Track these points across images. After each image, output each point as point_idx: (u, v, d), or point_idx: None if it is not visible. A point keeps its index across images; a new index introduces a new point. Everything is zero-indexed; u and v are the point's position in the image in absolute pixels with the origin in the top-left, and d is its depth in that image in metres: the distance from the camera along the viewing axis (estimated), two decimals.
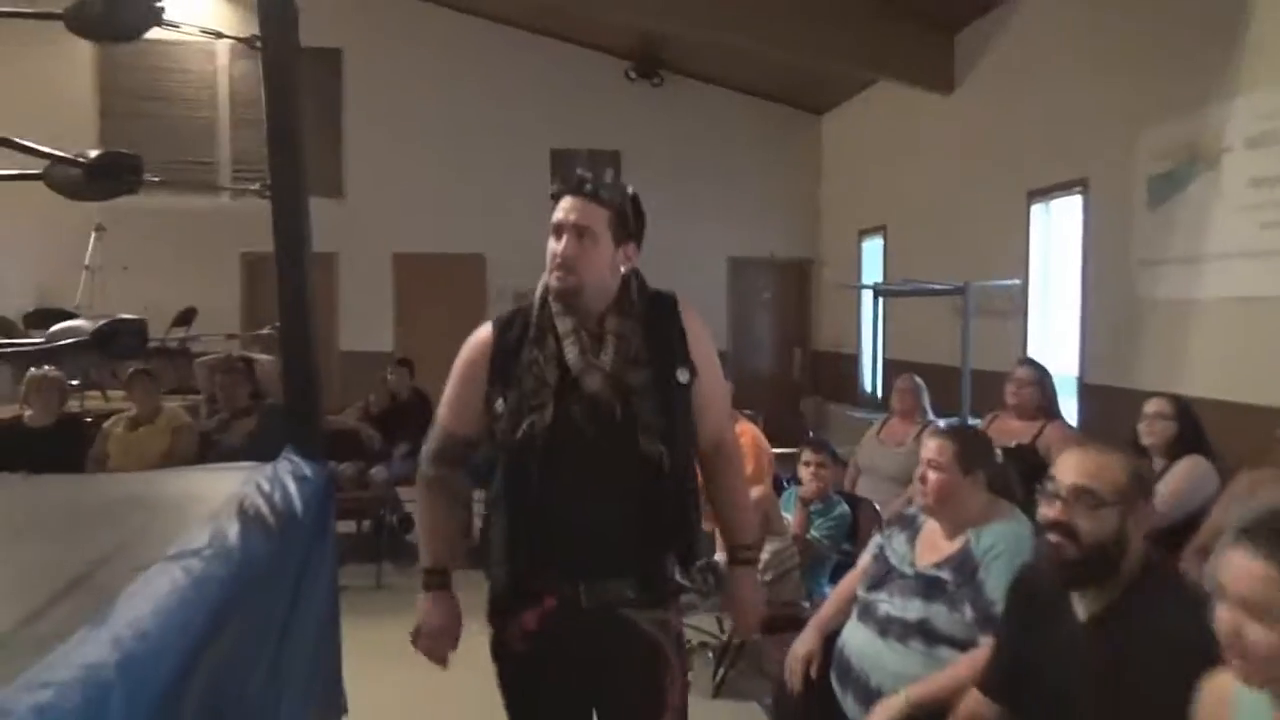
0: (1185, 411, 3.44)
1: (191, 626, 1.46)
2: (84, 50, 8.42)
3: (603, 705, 1.86)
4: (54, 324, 5.95)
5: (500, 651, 1.87)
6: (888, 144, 8.31)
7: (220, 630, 1.58)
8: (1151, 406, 3.47)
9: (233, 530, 1.90)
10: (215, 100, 9.11)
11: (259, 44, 2.61)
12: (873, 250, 8.62)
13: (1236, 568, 1.28)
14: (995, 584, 2.11)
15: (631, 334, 1.80)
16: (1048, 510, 1.76)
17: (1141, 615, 1.68)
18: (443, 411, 1.93)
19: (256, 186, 2.56)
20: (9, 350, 2.28)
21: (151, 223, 7.89)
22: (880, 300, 6.99)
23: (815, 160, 10.09)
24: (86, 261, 7.49)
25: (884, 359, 7.68)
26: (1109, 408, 4.91)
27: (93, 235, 7.50)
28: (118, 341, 2.11)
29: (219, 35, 2.80)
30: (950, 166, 7.01)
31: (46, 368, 4.80)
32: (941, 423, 3.96)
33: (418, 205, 9.28)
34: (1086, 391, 5.29)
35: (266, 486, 2.26)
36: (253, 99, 8.91)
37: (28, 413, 4.81)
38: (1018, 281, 5.79)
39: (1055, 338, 5.73)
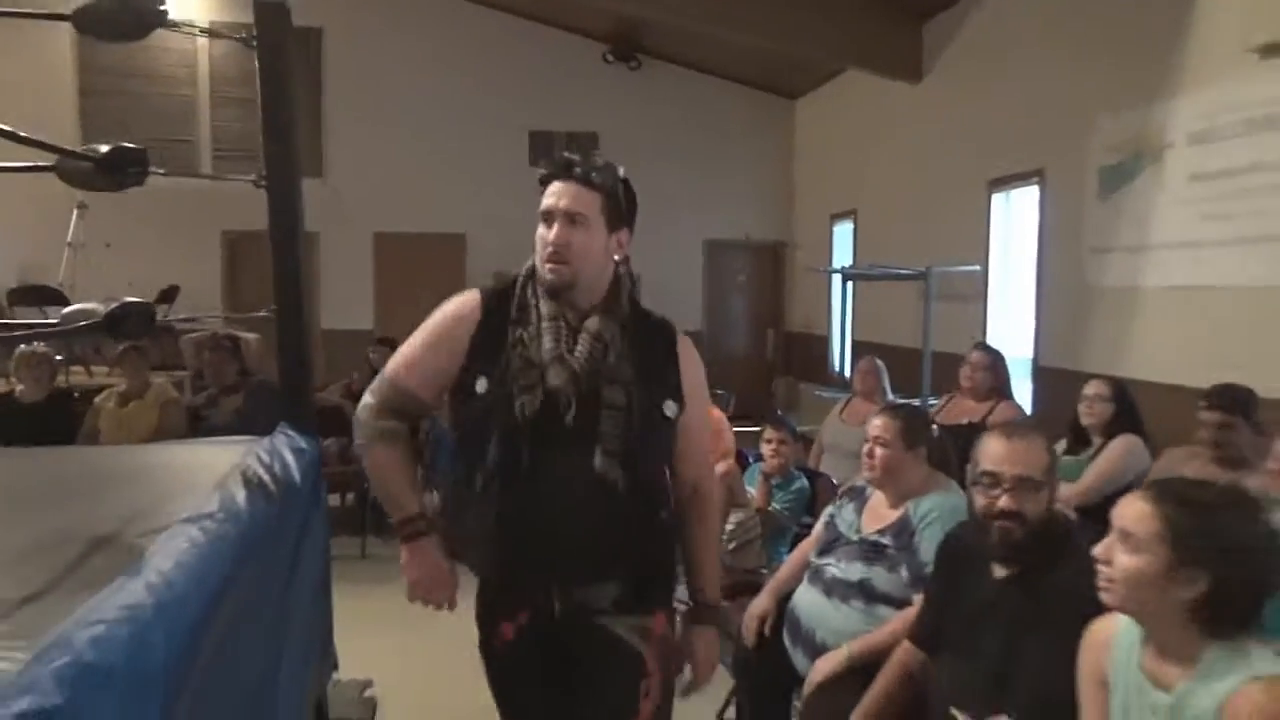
0: (1122, 393, 3.69)
1: (210, 579, 1.67)
2: (63, 29, 8.44)
3: (577, 714, 1.79)
4: (38, 300, 6.16)
5: (486, 651, 1.84)
6: (858, 131, 8.53)
7: (234, 583, 1.79)
8: (1090, 388, 3.72)
9: (239, 496, 2.10)
10: (195, 79, 9.16)
11: (254, 42, 2.77)
12: (843, 234, 8.85)
13: (1126, 504, 1.50)
14: (928, 548, 2.33)
15: (611, 342, 1.71)
16: (995, 501, 1.93)
17: (1046, 575, 1.91)
18: (399, 367, 1.80)
19: (253, 177, 2.73)
20: (25, 330, 2.45)
21: (133, 201, 7.86)
22: (849, 283, 7.22)
23: (789, 145, 10.29)
24: (69, 239, 7.59)
25: (853, 340, 7.94)
26: (1060, 389, 5.16)
27: (75, 213, 7.59)
28: (128, 323, 2.29)
29: (215, 35, 2.96)
30: (917, 154, 7.24)
31: (37, 345, 4.94)
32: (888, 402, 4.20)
33: (398, 185, 9.40)
34: (1040, 373, 5.55)
35: (266, 457, 2.45)
36: (232, 78, 9.01)
37: (19, 388, 4.95)
38: (978, 267, 6.03)
39: (1013, 322, 5.99)
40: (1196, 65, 4.32)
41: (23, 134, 2.20)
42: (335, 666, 3.02)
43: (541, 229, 1.72)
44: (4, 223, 8.52)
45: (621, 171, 1.76)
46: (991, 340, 5.93)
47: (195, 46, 9.13)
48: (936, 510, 2.43)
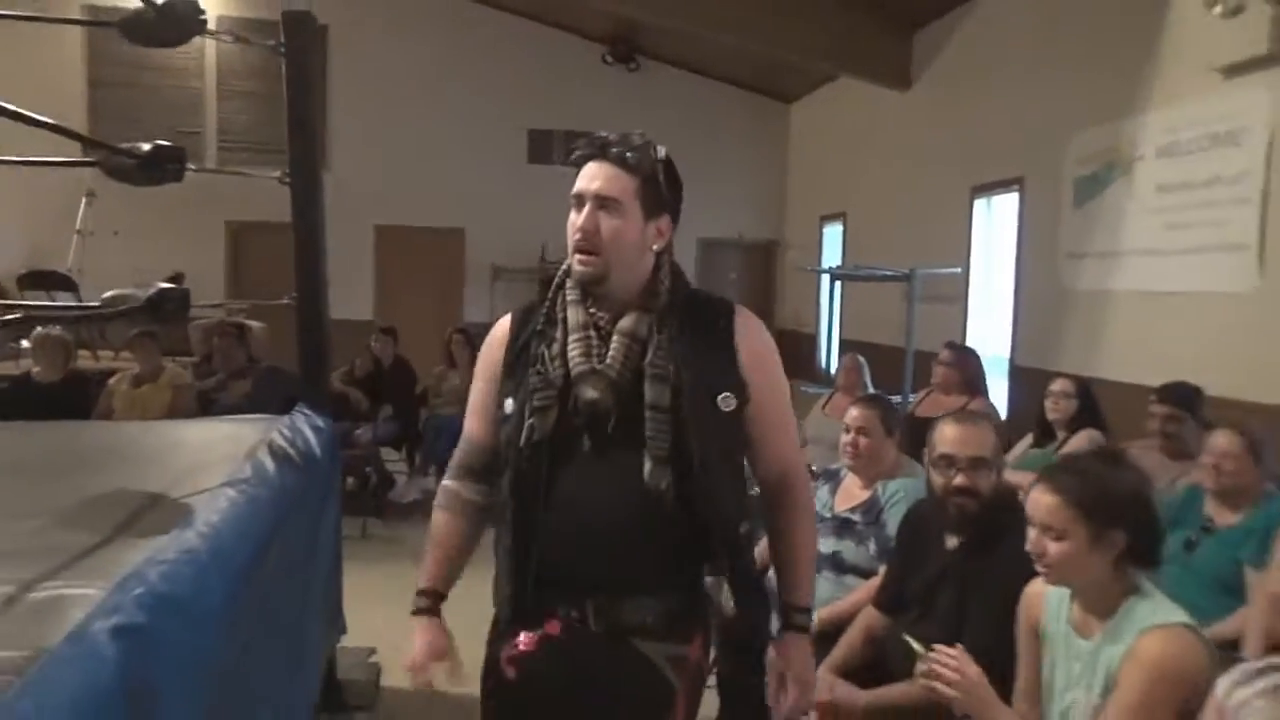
0: (1085, 391, 3.94)
1: (250, 532, 1.91)
2: (72, 14, 8.61)
3: None
4: (48, 285, 6.39)
5: (486, 678, 1.63)
6: (849, 135, 8.76)
7: (269, 537, 2.02)
8: (1057, 385, 3.97)
9: (269, 465, 2.34)
10: (203, 71, 9.34)
11: (282, 49, 2.99)
12: (833, 235, 9.09)
13: (1035, 500, 1.74)
14: (894, 524, 2.57)
15: (648, 337, 1.54)
16: (951, 479, 2.18)
17: (992, 544, 2.15)
18: (467, 421, 1.72)
19: (277, 174, 2.95)
20: (66, 312, 2.66)
21: (140, 190, 8.09)
22: (836, 283, 7.45)
23: (783, 147, 10.52)
24: (78, 226, 7.77)
25: (840, 339, 8.18)
26: (1035, 387, 5.38)
27: (84, 201, 7.78)
28: (165, 307, 2.51)
29: (246, 42, 3.17)
30: (904, 160, 7.47)
31: (52, 328, 5.14)
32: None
33: (400, 179, 9.60)
34: (1017, 372, 5.79)
35: (289, 433, 2.69)
36: (238, 71, 9.20)
37: (35, 370, 5.15)
38: (959, 270, 6.27)
39: (992, 322, 6.23)
40: (1165, 83, 4.56)
41: (76, 131, 2.43)
42: (343, 631, 3.25)
43: (572, 215, 1.56)
44: (12, 210, 8.71)
45: (662, 152, 1.58)
46: (971, 340, 6.19)
47: (203, 40, 9.32)
48: (903, 491, 2.66)
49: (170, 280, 7.70)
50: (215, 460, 2.38)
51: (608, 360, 1.53)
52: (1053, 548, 1.70)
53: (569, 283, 1.61)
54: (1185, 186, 4.35)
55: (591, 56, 9.96)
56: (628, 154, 1.54)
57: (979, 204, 6.33)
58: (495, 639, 1.63)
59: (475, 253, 9.74)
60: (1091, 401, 3.90)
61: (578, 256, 1.54)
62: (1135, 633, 1.64)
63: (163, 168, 2.54)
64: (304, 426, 2.84)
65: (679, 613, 1.55)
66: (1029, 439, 4.12)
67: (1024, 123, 5.77)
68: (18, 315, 2.39)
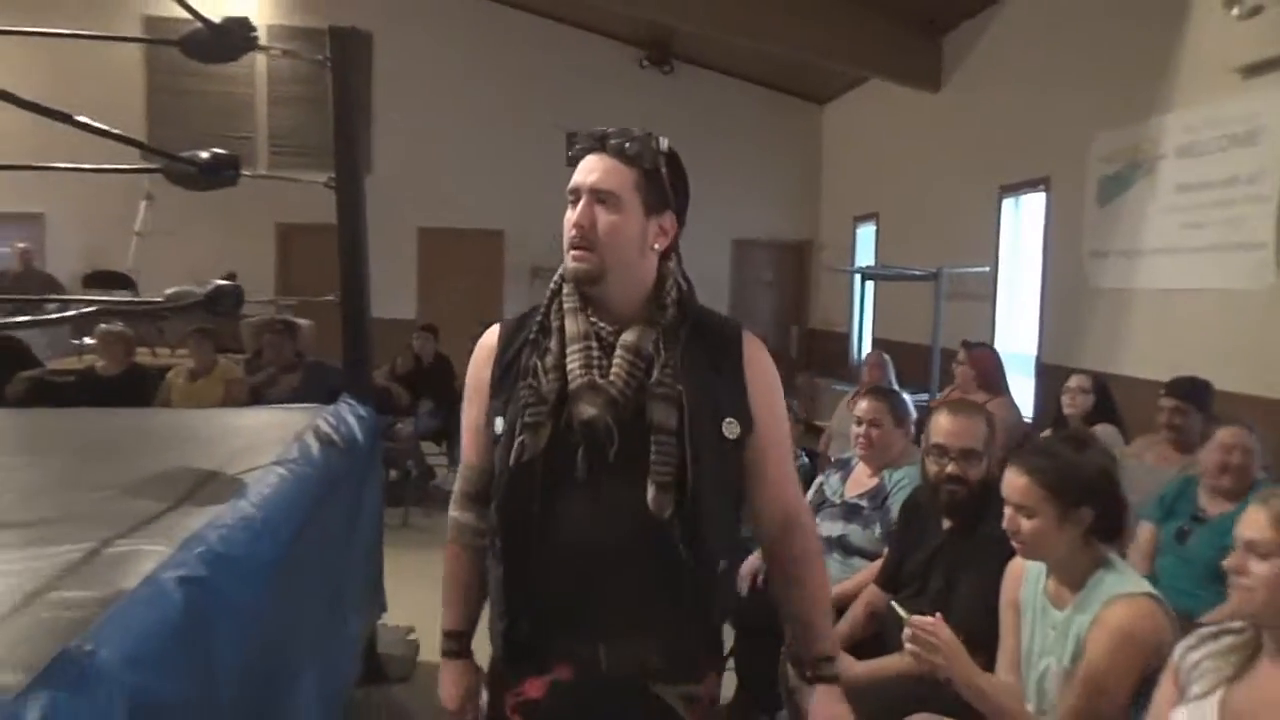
0: (1101, 387, 4.03)
1: (295, 505, 2.12)
2: (133, 29, 9.00)
3: None
4: (109, 284, 6.76)
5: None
6: (881, 136, 8.85)
7: (313, 511, 2.23)
8: (1073, 381, 4.06)
9: (314, 447, 2.55)
10: (253, 78, 9.69)
11: (328, 63, 3.20)
12: (866, 235, 9.17)
13: (1008, 481, 1.88)
14: (898, 509, 2.72)
15: (655, 353, 1.42)
16: (944, 468, 2.34)
17: (979, 527, 2.29)
18: (464, 444, 1.61)
19: (324, 180, 3.16)
20: (134, 307, 2.90)
21: (196, 193, 8.48)
22: (868, 282, 7.55)
23: (817, 148, 10.62)
24: (137, 228, 8.13)
25: (872, 337, 8.27)
26: (1060, 385, 5.46)
27: (143, 204, 8.13)
28: (222, 303, 2.74)
29: (294, 56, 3.40)
30: (934, 160, 7.55)
31: (115, 323, 5.45)
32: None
33: (441, 182, 9.86)
34: (1043, 370, 5.86)
35: (333, 420, 2.91)
36: (287, 77, 9.52)
37: (99, 364, 5.46)
38: (986, 269, 6.35)
39: (1019, 321, 6.30)
40: (1185, 84, 4.62)
41: (143, 141, 2.66)
42: (384, 608, 3.47)
43: (568, 211, 1.46)
44: (74, 214, 9.13)
45: (665, 144, 1.49)
46: (999, 337, 6.27)
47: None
48: (907, 479, 2.80)
49: (225, 279, 8.04)
50: (266, 443, 2.60)
51: (610, 376, 1.41)
52: (1025, 524, 1.85)
53: (566, 288, 1.49)
54: (1204, 186, 4.41)
55: (628, 60, 10.14)
56: (626, 145, 1.45)
57: (1007, 203, 6.40)
58: (495, 681, 1.53)
59: (514, 253, 9.98)
60: (1107, 397, 4.00)
61: (572, 253, 1.44)
62: (1102, 602, 1.77)
63: (220, 174, 2.77)
64: (347, 414, 3.06)
65: (690, 650, 1.46)
66: (1047, 434, 4.21)
67: (1050, 123, 5.84)
68: (93, 309, 2.62)
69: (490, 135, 9.86)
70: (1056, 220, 5.79)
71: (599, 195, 1.44)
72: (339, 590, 2.49)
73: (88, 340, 6.59)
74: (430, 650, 3.80)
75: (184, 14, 2.54)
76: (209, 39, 2.83)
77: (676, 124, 10.58)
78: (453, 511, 1.62)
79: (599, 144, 1.47)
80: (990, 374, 4.60)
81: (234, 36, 2.77)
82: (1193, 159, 4.51)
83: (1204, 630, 1.59)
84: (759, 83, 10.28)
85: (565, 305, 1.48)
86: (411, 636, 3.80)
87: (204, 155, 2.71)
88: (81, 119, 1.93)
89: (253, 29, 2.71)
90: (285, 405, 3.68)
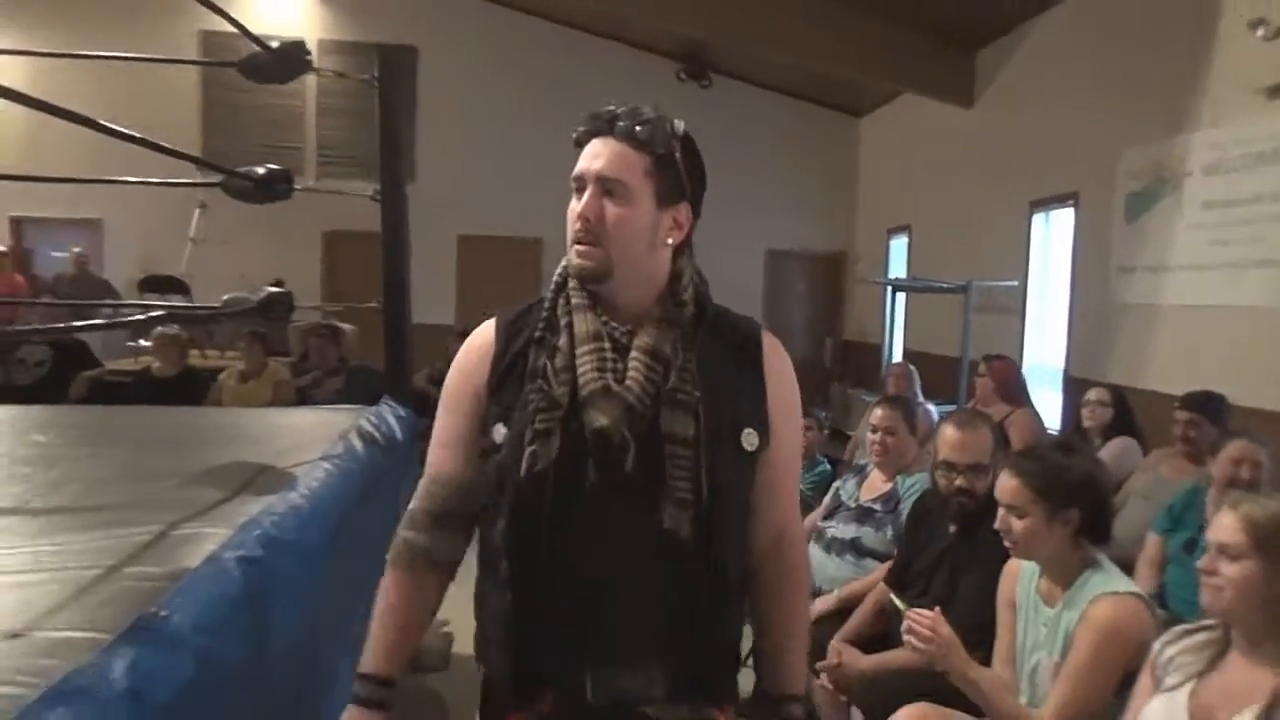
0: (1120, 400, 4.10)
1: (341, 496, 2.30)
2: (189, 43, 9.36)
3: None
4: (164, 289, 7.09)
5: None
6: (915, 150, 8.92)
7: (356, 502, 2.41)
8: (1093, 394, 4.14)
9: (358, 444, 2.73)
10: (303, 91, 10.00)
11: (376, 82, 3.40)
12: (899, 247, 9.24)
13: (1000, 485, 2.00)
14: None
15: (672, 355, 1.30)
16: (953, 481, 2.47)
17: (985, 530, 2.39)
18: (430, 451, 1.42)
19: (370, 192, 3.36)
20: (196, 312, 3.11)
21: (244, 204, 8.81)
22: (899, 294, 7.63)
23: (853, 160, 10.70)
24: (191, 234, 8.45)
25: (904, 349, 8.34)
26: None
27: (197, 211, 8.45)
28: (274, 309, 2.94)
29: (344, 76, 3.60)
30: (967, 174, 7.62)
31: (171, 326, 5.71)
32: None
33: (482, 191, 10.09)
34: (1070, 383, 5.91)
35: (375, 419, 3.09)
36: (335, 90, 9.81)
37: (155, 365, 5.72)
38: (1015, 282, 6.41)
39: (1049, 334, 6.35)
40: (1211, 103, 4.67)
41: (206, 160, 2.87)
42: None
43: (572, 202, 1.34)
44: (130, 221, 9.50)
45: (680, 127, 1.36)
46: (1028, 351, 6.32)
47: None
48: (919, 485, 2.92)
49: (273, 285, 8.30)
50: (314, 440, 2.79)
51: (626, 381, 1.28)
52: (1016, 524, 1.97)
53: (572, 283, 1.35)
54: (1230, 203, 4.46)
55: (666, 73, 10.31)
56: (637, 128, 1.32)
57: (1037, 218, 6.46)
58: (488, 712, 1.40)
59: (552, 261, 10.10)
60: (1126, 410, 4.07)
61: (576, 248, 1.31)
62: (1089, 600, 1.89)
63: (274, 188, 2.97)
64: (388, 415, 3.25)
65: (696, 677, 1.31)
66: None
67: (1080, 139, 5.90)
68: (159, 313, 2.82)
69: (529, 145, 10.07)
70: (1085, 235, 5.84)
71: (606, 184, 1.31)
72: (372, 575, 2.66)
73: (142, 342, 6.89)
74: (463, 643, 3.98)
75: (228, 22, 2.72)
76: (267, 62, 3.04)
77: (713, 136, 10.71)
78: (405, 531, 1.41)
79: (606, 126, 1.34)
80: (1010, 386, 4.67)
81: (291, 60, 2.97)
82: (1219, 176, 4.56)
83: (1179, 628, 1.70)
84: (796, 95, 10.39)
85: (573, 301, 1.34)
86: (445, 629, 3.97)
87: (260, 171, 2.91)
88: (142, 136, 2.11)
89: (308, 52, 2.91)
90: (331, 406, 3.88)
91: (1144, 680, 1.70)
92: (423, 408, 5.80)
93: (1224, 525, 1.59)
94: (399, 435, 3.12)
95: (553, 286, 1.39)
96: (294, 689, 1.80)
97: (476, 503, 1.38)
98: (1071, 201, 5.97)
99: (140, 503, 2.07)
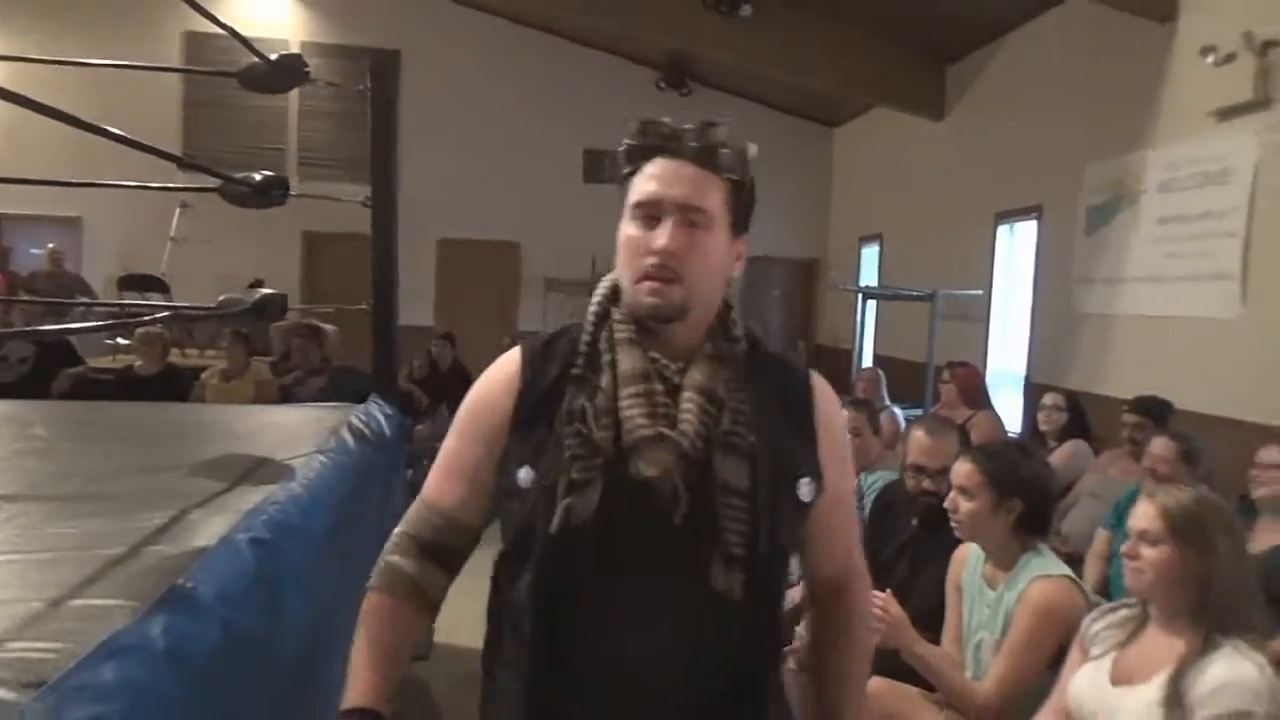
0: (1075, 405, 4.32)
1: (336, 488, 2.44)
2: (172, 43, 9.42)
3: None
4: (144, 287, 7.18)
5: None
6: (887, 161, 9.16)
7: (351, 492, 2.55)
8: (1048, 399, 4.35)
9: (349, 439, 2.87)
10: (286, 93, 10.08)
11: (369, 91, 3.53)
12: (870, 255, 9.47)
13: (955, 469, 2.18)
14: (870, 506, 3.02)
15: (726, 396, 1.18)
16: (921, 483, 2.64)
17: (945, 525, 2.57)
18: (432, 479, 1.31)
19: (361, 199, 3.49)
20: (195, 312, 3.22)
21: (224, 204, 8.86)
22: (870, 301, 7.84)
23: (827, 170, 10.94)
24: (172, 234, 8.51)
25: (874, 354, 8.55)
26: None
27: (178, 211, 8.52)
28: (269, 309, 3.06)
29: (335, 85, 3.73)
30: (936, 185, 7.85)
31: (152, 326, 5.80)
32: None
33: (462, 195, 10.21)
34: (1030, 389, 6.13)
35: (364, 416, 3.23)
36: (319, 93, 9.89)
37: (138, 363, 5.80)
38: (980, 291, 6.63)
39: (1011, 341, 6.58)
40: (1166, 123, 4.91)
41: (203, 165, 2.99)
42: None
43: (633, 229, 1.19)
44: (110, 220, 9.54)
45: (754, 150, 1.26)
46: (991, 357, 6.55)
47: None
48: (880, 481, 3.10)
49: (252, 286, 8.36)
50: (307, 434, 2.92)
51: (681, 425, 1.15)
52: (964, 505, 2.15)
53: (616, 313, 1.22)
54: (1182, 219, 4.70)
55: (646, 82, 10.49)
56: (722, 151, 1.22)
57: (1002, 230, 6.69)
58: None
59: (530, 265, 10.32)
60: (1080, 414, 4.28)
61: (649, 284, 1.16)
62: (1027, 581, 2.07)
63: (270, 194, 3.10)
64: (376, 412, 3.38)
65: None
66: None
67: (1044, 153, 6.13)
68: (167, 314, 2.94)
69: (509, 150, 10.22)
70: (1047, 247, 6.08)
71: (689, 213, 1.17)
72: (365, 564, 2.80)
73: (120, 340, 6.97)
74: (445, 632, 4.12)
75: (221, 29, 2.81)
76: (265, 72, 3.16)
77: None
78: (392, 556, 1.30)
79: (676, 144, 1.22)
80: (972, 390, 4.88)
81: (289, 72, 3.09)
82: (1172, 194, 4.79)
83: (1105, 605, 1.89)
84: (773, 106, 10.60)
85: (617, 335, 1.21)
86: None
87: (257, 178, 3.04)
88: (132, 137, 2.22)
89: (306, 65, 3.04)
90: (320, 404, 4.00)
91: (1074, 654, 1.89)
92: (405, 407, 5.94)
93: (1142, 514, 1.77)
94: (388, 432, 3.25)
95: (591, 318, 1.25)
96: (303, 663, 1.94)
97: (473, 544, 1.30)
98: (1035, 214, 6.20)
99: (147, 492, 2.19)
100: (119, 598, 1.48)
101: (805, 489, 1.21)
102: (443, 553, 1.29)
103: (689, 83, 10.47)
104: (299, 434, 3.02)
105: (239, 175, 3.06)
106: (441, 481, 1.30)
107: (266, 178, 3.03)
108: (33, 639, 1.26)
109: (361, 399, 3.64)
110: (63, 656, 1.22)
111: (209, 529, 1.87)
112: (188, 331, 7.93)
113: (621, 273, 1.22)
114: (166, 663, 1.33)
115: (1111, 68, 5.45)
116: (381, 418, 3.35)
